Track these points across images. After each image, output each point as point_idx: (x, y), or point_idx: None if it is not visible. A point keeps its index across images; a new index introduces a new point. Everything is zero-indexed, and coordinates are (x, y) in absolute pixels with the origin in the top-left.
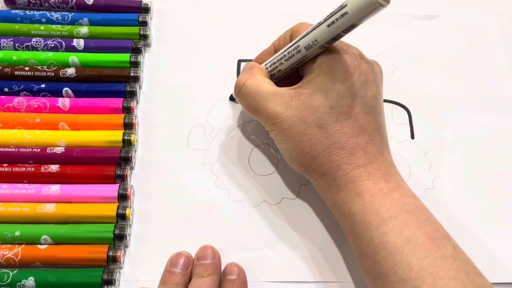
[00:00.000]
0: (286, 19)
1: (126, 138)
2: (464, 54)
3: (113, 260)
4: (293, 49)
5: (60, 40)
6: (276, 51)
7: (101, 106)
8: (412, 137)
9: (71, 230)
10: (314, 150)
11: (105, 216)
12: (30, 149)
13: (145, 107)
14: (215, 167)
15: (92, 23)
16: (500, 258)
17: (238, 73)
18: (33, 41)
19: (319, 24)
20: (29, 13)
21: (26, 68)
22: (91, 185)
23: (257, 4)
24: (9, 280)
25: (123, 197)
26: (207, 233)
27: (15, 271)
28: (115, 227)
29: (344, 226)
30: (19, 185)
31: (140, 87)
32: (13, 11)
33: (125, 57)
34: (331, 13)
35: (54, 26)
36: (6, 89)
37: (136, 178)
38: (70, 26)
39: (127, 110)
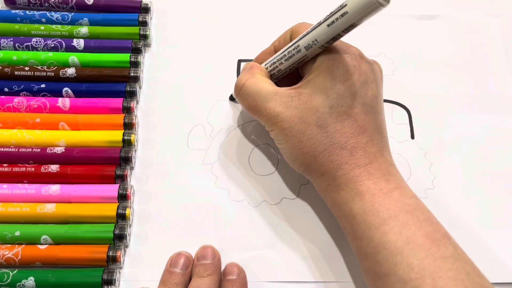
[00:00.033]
0: (286, 19)
1: (126, 138)
2: (464, 54)
3: (113, 260)
4: (293, 49)
5: (60, 40)
6: (276, 51)
7: (101, 106)
8: (412, 137)
9: (71, 230)
10: (314, 150)
11: (105, 216)
12: (30, 149)
13: (145, 107)
14: (215, 167)
15: (92, 23)
16: (500, 258)
17: (238, 73)
18: (33, 41)
19: (319, 24)
20: (29, 13)
21: (26, 68)
22: (91, 185)
23: (257, 4)
24: (9, 280)
25: (123, 197)
26: (207, 233)
27: (15, 271)
28: (115, 227)
29: (344, 226)
30: (19, 185)
31: (140, 87)
32: (13, 11)
33: (125, 57)
34: (331, 13)
35: (54, 26)
36: (6, 89)
37: (136, 178)
38: (70, 26)
39: (127, 110)
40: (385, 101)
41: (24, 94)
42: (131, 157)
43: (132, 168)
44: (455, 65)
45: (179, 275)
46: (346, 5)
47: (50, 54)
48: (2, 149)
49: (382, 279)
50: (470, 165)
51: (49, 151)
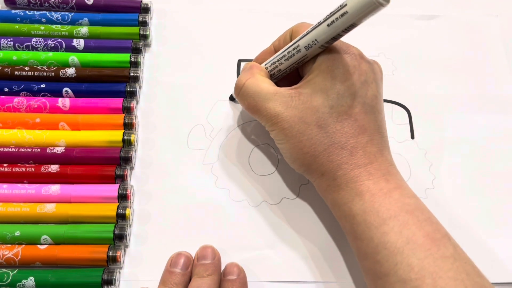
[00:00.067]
0: (286, 19)
1: (126, 138)
2: (464, 54)
3: (113, 260)
4: (293, 49)
5: (60, 40)
6: (276, 51)
7: (101, 106)
8: (412, 137)
9: (71, 230)
10: (314, 150)
11: (105, 216)
12: (30, 149)
13: (145, 107)
14: (215, 167)
15: (92, 23)
16: (500, 258)
17: (238, 73)
18: (33, 41)
19: (319, 23)
20: (29, 13)
21: (26, 68)
22: (91, 185)
23: (257, 4)
24: (9, 280)
25: (123, 197)
26: (207, 233)
27: (15, 271)
28: (115, 227)
29: (344, 226)
30: (19, 185)
31: (140, 87)
32: (13, 11)
33: (125, 57)
34: (331, 13)
35: (54, 26)
36: (6, 89)
37: (136, 178)
38: (70, 26)
39: (127, 110)
40: (385, 101)
41: (24, 94)
42: (131, 157)
43: (132, 168)
44: (455, 65)
45: (179, 275)
46: (346, 5)
47: (50, 54)
48: (2, 149)
49: (382, 279)
50: (470, 165)
51: (49, 151)
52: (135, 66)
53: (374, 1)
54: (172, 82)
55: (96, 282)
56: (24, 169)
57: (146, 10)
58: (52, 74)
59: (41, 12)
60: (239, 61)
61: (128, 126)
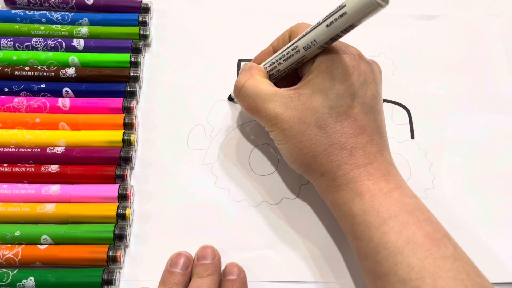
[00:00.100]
0: (286, 19)
1: (126, 138)
2: (464, 54)
3: (113, 260)
4: (292, 49)
5: (60, 40)
6: (274, 52)
7: (101, 106)
8: (412, 137)
9: (71, 230)
10: (314, 150)
11: (105, 216)
12: (30, 149)
13: (145, 107)
14: (215, 167)
15: (92, 23)
16: (500, 258)
17: (238, 73)
18: (33, 41)
19: (318, 24)
20: (29, 13)
21: (26, 68)
22: (91, 185)
23: (257, 4)
24: (9, 280)
25: (123, 197)
26: (207, 233)
27: (15, 271)
28: (115, 227)
29: (344, 226)
30: (19, 185)
31: (140, 87)
32: (13, 11)
33: (125, 57)
34: (330, 13)
35: (54, 26)
36: (6, 89)
37: (136, 178)
38: (70, 26)
39: (127, 110)
40: (385, 101)
41: (24, 94)
42: (131, 157)
43: (132, 168)
44: (455, 65)
45: (179, 275)
46: (345, 5)
47: (50, 54)
48: (2, 149)
49: (382, 279)
50: (470, 165)
51: (49, 151)
52: (135, 66)
53: (374, 2)
54: (172, 82)
55: (96, 282)
56: (24, 169)
57: (146, 10)
58: (52, 74)
59: (41, 12)
60: (239, 61)
61: (128, 126)
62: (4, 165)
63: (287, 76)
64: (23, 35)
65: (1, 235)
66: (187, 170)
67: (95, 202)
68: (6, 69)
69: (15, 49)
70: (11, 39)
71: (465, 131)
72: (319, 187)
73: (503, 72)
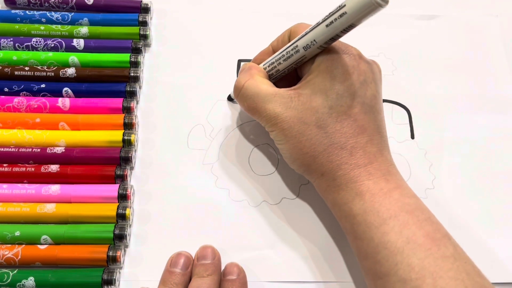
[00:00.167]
0: (286, 19)
1: (126, 138)
2: (464, 54)
3: (113, 260)
4: (292, 49)
5: (60, 40)
6: (274, 52)
7: (101, 106)
8: (412, 137)
9: (71, 230)
10: (314, 150)
11: (105, 216)
12: (30, 149)
13: (145, 107)
14: (215, 167)
15: (92, 23)
16: (500, 258)
17: (238, 73)
18: (33, 41)
19: (318, 24)
20: (29, 13)
21: (26, 68)
22: (91, 185)
23: (257, 4)
24: (9, 280)
25: (123, 197)
26: (207, 233)
27: (15, 271)
28: (115, 227)
29: (344, 226)
30: (19, 185)
31: (140, 87)
32: (13, 11)
33: (125, 57)
34: (330, 13)
35: (54, 26)
36: (6, 89)
37: (136, 178)
38: (70, 26)
39: (127, 110)
40: (385, 101)
41: (24, 94)
42: (131, 157)
43: (132, 168)
44: (455, 65)
45: (179, 275)
46: (345, 5)
47: (50, 54)
48: (2, 149)
49: (383, 279)
50: (470, 165)
51: (49, 151)
52: (135, 66)
53: (373, 2)
54: (172, 82)
55: (96, 282)
56: (24, 169)
57: (146, 10)
58: (52, 74)
59: (41, 12)
60: (239, 61)
61: (128, 126)
62: (4, 165)
63: (287, 76)
64: (23, 35)
65: (1, 235)
66: (187, 170)
67: (95, 202)
68: (6, 69)
69: (15, 49)
70: (11, 39)
71: (465, 131)
72: (319, 187)
73: (503, 72)
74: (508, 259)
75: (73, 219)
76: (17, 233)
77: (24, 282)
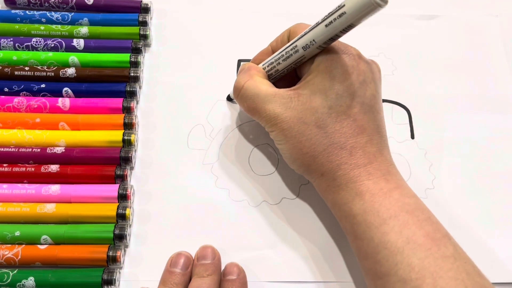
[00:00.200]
0: (286, 19)
1: (126, 138)
2: (464, 54)
3: (113, 260)
4: (291, 49)
5: (60, 40)
6: (273, 52)
7: (101, 106)
8: (412, 137)
9: (71, 230)
10: (314, 150)
11: (105, 216)
12: (30, 149)
13: (145, 107)
14: (215, 167)
15: (92, 23)
16: (500, 258)
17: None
18: (33, 41)
19: (317, 24)
20: (29, 13)
21: (26, 68)
22: (91, 185)
23: (257, 4)
24: (9, 280)
25: (123, 197)
26: (207, 233)
27: (15, 271)
28: (115, 227)
29: (344, 226)
30: (19, 185)
31: (140, 87)
32: (13, 11)
33: (125, 57)
34: (329, 13)
35: (54, 26)
36: (6, 89)
37: (136, 178)
38: (70, 26)
39: (127, 110)
40: (385, 101)
41: (24, 94)
42: (131, 157)
43: (132, 168)
44: (455, 65)
45: (179, 275)
46: (344, 5)
47: (50, 54)
48: (2, 149)
49: (383, 279)
50: (470, 165)
51: (49, 151)
52: (135, 66)
53: (373, 2)
54: (172, 82)
55: (96, 282)
56: (24, 169)
57: (146, 10)
58: (52, 74)
59: (41, 12)
60: (239, 61)
61: (128, 126)
62: (4, 165)
63: (286, 76)
64: (23, 35)
65: (1, 235)
66: (187, 170)
67: (95, 202)
68: (6, 69)
69: (15, 49)
70: (11, 39)
71: (465, 131)
72: (319, 187)
73: (503, 72)
74: (508, 259)
75: (73, 219)
76: (17, 233)
77: (24, 282)
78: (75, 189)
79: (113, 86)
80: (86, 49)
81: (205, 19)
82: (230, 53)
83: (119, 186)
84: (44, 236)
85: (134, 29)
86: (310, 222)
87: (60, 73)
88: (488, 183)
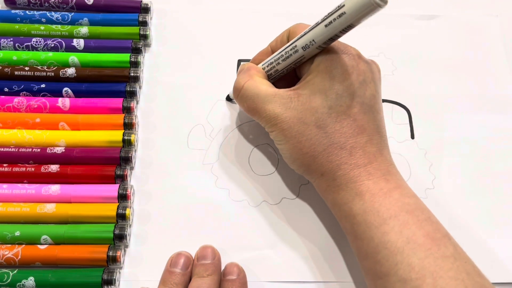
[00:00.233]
0: (286, 19)
1: (126, 138)
2: (464, 54)
3: (113, 260)
4: (291, 49)
5: (60, 40)
6: (273, 52)
7: (101, 106)
8: (412, 137)
9: (71, 230)
10: (314, 151)
11: (105, 216)
12: (30, 149)
13: (145, 107)
14: (215, 167)
15: (92, 23)
16: (500, 258)
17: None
18: (33, 41)
19: (317, 24)
20: (29, 13)
21: (26, 68)
22: (91, 185)
23: (257, 4)
24: (9, 280)
25: (123, 197)
26: (207, 233)
27: (15, 271)
28: (115, 227)
29: (344, 226)
30: (19, 185)
31: (140, 87)
32: (13, 11)
33: (125, 57)
34: (329, 13)
35: (54, 26)
36: (6, 89)
37: (136, 178)
38: (70, 26)
39: (127, 110)
40: (385, 101)
41: (24, 94)
42: (131, 157)
43: (132, 168)
44: (455, 65)
45: (179, 275)
46: (344, 5)
47: (50, 54)
48: (2, 149)
49: (383, 279)
50: (470, 165)
51: (49, 151)
52: (135, 66)
53: (372, 2)
54: (172, 82)
55: (96, 282)
56: (24, 169)
57: (146, 10)
58: (52, 74)
59: (41, 12)
60: (239, 61)
61: (128, 126)
62: (4, 165)
63: (286, 77)
64: (23, 35)
65: (1, 235)
66: (187, 170)
67: (95, 202)
68: (6, 69)
69: (15, 49)
70: (11, 39)
71: (465, 131)
72: (319, 187)
73: (503, 72)
74: (508, 259)
75: (73, 219)
76: (17, 233)
77: (24, 282)
78: (75, 189)
79: (113, 86)
80: (86, 49)
81: (205, 19)
82: (230, 53)
83: (119, 186)
84: (44, 236)
85: (134, 29)
86: (310, 222)
87: (60, 73)
88: (488, 183)
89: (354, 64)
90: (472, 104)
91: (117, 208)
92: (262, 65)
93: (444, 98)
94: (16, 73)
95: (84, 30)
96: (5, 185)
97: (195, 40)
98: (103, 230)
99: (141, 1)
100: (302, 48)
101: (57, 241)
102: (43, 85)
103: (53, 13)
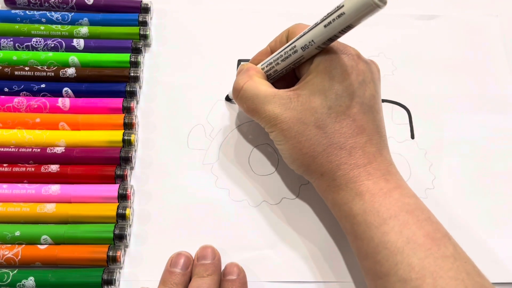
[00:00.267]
0: (286, 19)
1: (126, 138)
2: (464, 54)
3: (113, 260)
4: (290, 50)
5: (60, 40)
6: (272, 52)
7: (101, 106)
8: (412, 137)
9: (71, 230)
10: (313, 151)
11: (105, 216)
12: (30, 149)
13: (145, 107)
14: (215, 167)
15: (92, 23)
16: (500, 258)
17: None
18: (33, 41)
19: (316, 24)
20: (29, 13)
21: (26, 68)
22: (91, 185)
23: (257, 4)
24: (9, 280)
25: (123, 197)
26: (207, 233)
27: (15, 271)
28: (115, 227)
29: (344, 226)
30: (19, 185)
31: (140, 87)
32: (13, 11)
33: (125, 57)
34: (328, 14)
35: (54, 26)
36: (6, 89)
37: (136, 178)
38: (70, 26)
39: (127, 110)
40: (385, 101)
41: (24, 94)
42: (131, 157)
43: (132, 168)
44: (455, 65)
45: (179, 275)
46: (343, 6)
47: (50, 54)
48: (2, 149)
49: (383, 279)
50: (470, 165)
51: (49, 151)
52: (135, 66)
53: (372, 3)
54: (172, 82)
55: (96, 282)
56: (24, 169)
57: (146, 10)
58: (52, 74)
59: (41, 12)
60: (239, 61)
61: (128, 126)
62: (4, 165)
63: (285, 77)
64: (23, 35)
65: (1, 235)
66: (187, 170)
67: (95, 202)
68: (6, 69)
69: (15, 49)
70: (11, 39)
71: (465, 131)
72: (319, 187)
73: (503, 72)
74: (508, 259)
75: (73, 219)
76: (17, 233)
77: (24, 282)
78: (75, 189)
79: (113, 86)
80: (86, 49)
81: (205, 19)
82: (230, 53)
83: (119, 186)
84: (44, 236)
85: (134, 29)
86: (310, 222)
87: (60, 73)
88: (488, 183)
89: (353, 64)
90: (472, 104)
91: (117, 208)
92: (261, 65)
93: (444, 98)
94: (16, 73)
95: (84, 30)
96: (5, 185)
97: (195, 40)
98: (103, 230)
99: (141, 1)
100: (301, 48)
101: (57, 241)
102: (43, 85)
103: (53, 13)
